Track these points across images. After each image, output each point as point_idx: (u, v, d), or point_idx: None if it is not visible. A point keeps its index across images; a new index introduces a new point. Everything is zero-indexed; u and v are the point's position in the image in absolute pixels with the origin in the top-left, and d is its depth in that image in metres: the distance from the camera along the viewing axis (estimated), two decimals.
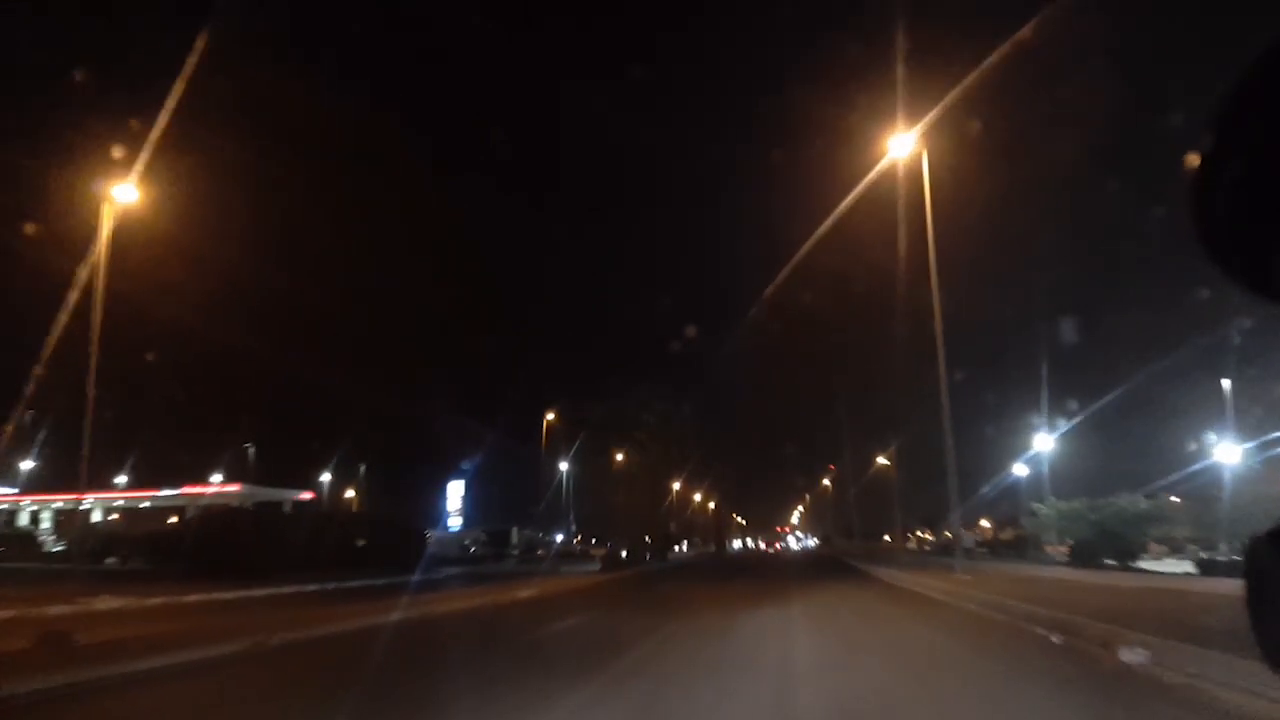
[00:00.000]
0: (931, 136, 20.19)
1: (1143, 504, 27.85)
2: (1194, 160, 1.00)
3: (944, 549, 39.67)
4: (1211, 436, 29.33)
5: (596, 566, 29.12)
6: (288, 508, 43.66)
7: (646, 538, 32.65)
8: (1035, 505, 33.86)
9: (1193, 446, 30.36)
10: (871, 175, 17.64)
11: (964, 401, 41.76)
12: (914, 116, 18.50)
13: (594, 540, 50.26)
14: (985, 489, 42.34)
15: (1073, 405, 32.00)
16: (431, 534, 44.16)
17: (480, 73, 55.14)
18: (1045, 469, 30.41)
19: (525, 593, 15.10)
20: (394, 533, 30.64)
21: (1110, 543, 27.75)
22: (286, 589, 16.43)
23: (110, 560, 29.34)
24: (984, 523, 48.97)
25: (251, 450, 42.97)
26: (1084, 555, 26.14)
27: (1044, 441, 29.10)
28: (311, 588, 17.09)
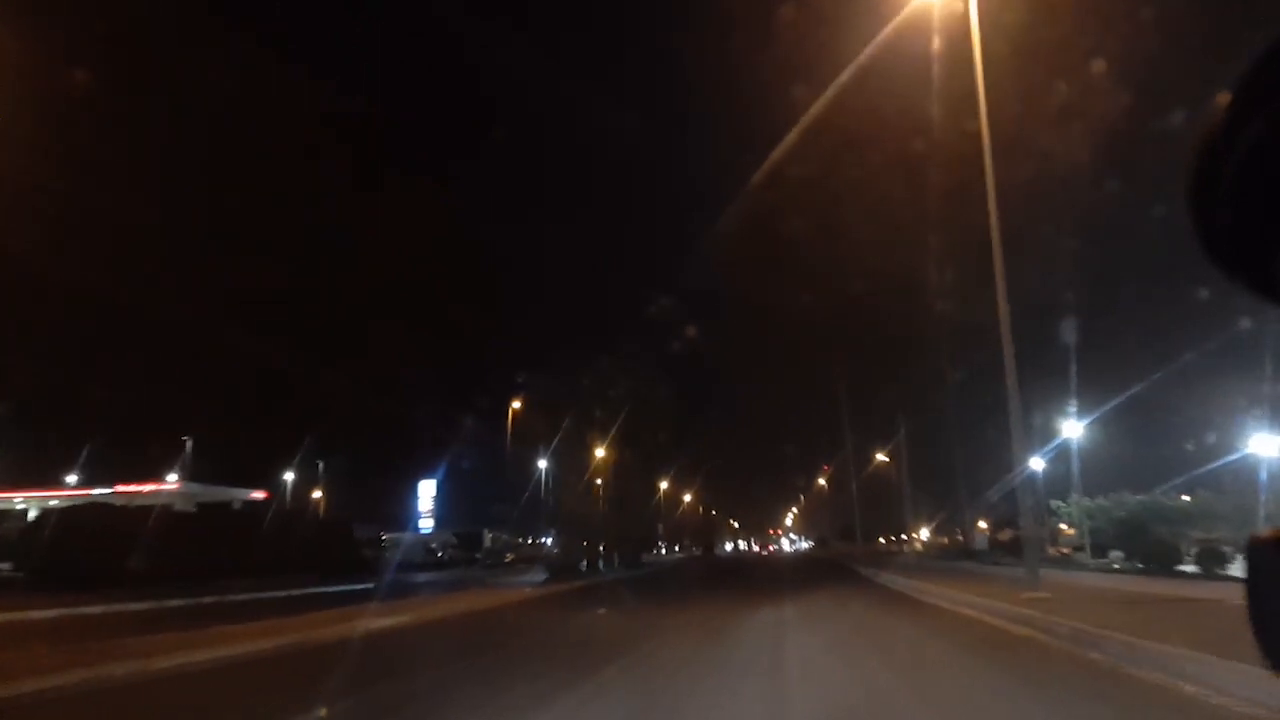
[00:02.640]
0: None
1: (1182, 500, 24.68)
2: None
3: (963, 552, 35.98)
4: (1211, 436, 27.19)
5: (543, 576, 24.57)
6: (238, 507, 40.20)
7: (594, 541, 28.52)
8: (1055, 503, 30.55)
9: (1191, 446, 28.14)
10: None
11: (964, 402, 39.69)
12: None
13: (585, 543, 46.48)
14: (991, 490, 39.40)
15: (1073, 405, 30.19)
16: (389, 537, 40.57)
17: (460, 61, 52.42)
18: (1076, 462, 26.88)
19: (391, 620, 11.19)
20: (333, 536, 27.00)
21: (1140, 543, 24.69)
22: (137, 605, 12.89)
23: (2, 566, 25.73)
24: (981, 524, 46.16)
25: (189, 444, 39.19)
26: (1149, 558, 22.25)
27: (1073, 429, 25.67)
28: (175, 603, 13.48)
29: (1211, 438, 26.86)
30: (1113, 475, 29.80)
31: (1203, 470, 25.35)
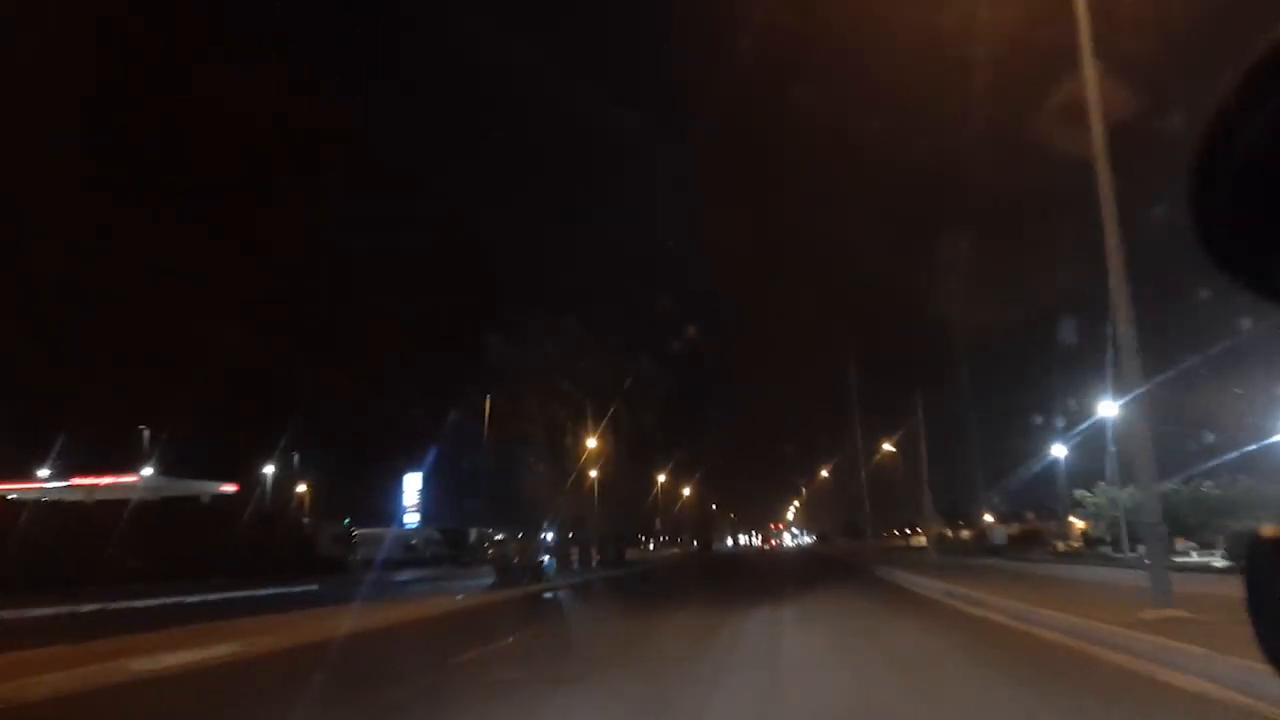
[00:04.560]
0: None
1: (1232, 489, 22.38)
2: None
3: (980, 547, 33.39)
4: (1228, 427, 25.19)
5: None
6: (207, 501, 38.01)
7: (566, 536, 25.37)
8: (1080, 493, 28.19)
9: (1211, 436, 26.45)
10: None
11: (973, 393, 38.05)
12: None
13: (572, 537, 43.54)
14: (1001, 482, 37.37)
15: (1074, 405, 29.85)
16: (361, 533, 38.23)
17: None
18: (1111, 448, 24.29)
19: (187, 656, 8.41)
20: (288, 533, 24.64)
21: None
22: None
23: None
24: (988, 517, 43.97)
25: (147, 434, 36.86)
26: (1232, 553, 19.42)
27: (1108, 409, 23.16)
28: (43, 612, 11.15)
29: (1222, 430, 25.27)
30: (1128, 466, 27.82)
31: (1227, 458, 23.48)
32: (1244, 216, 0.97)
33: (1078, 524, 33.96)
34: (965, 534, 44.19)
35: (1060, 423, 32.64)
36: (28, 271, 34.53)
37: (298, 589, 16.57)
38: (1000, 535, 32.50)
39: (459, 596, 14.59)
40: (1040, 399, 36.00)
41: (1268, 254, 0.99)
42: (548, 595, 17.00)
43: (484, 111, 61.95)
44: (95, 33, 34.45)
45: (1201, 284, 17.48)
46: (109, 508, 25.00)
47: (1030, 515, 39.00)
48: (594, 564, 28.17)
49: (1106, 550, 27.04)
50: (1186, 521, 22.74)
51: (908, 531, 74.58)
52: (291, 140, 48.58)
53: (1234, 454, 23.59)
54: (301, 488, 57.18)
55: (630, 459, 29.25)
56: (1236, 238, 1.00)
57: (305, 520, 35.19)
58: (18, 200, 29.78)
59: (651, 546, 63.09)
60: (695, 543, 76.22)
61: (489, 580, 18.95)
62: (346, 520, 49.99)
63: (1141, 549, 24.68)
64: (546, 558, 21.28)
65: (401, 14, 52.28)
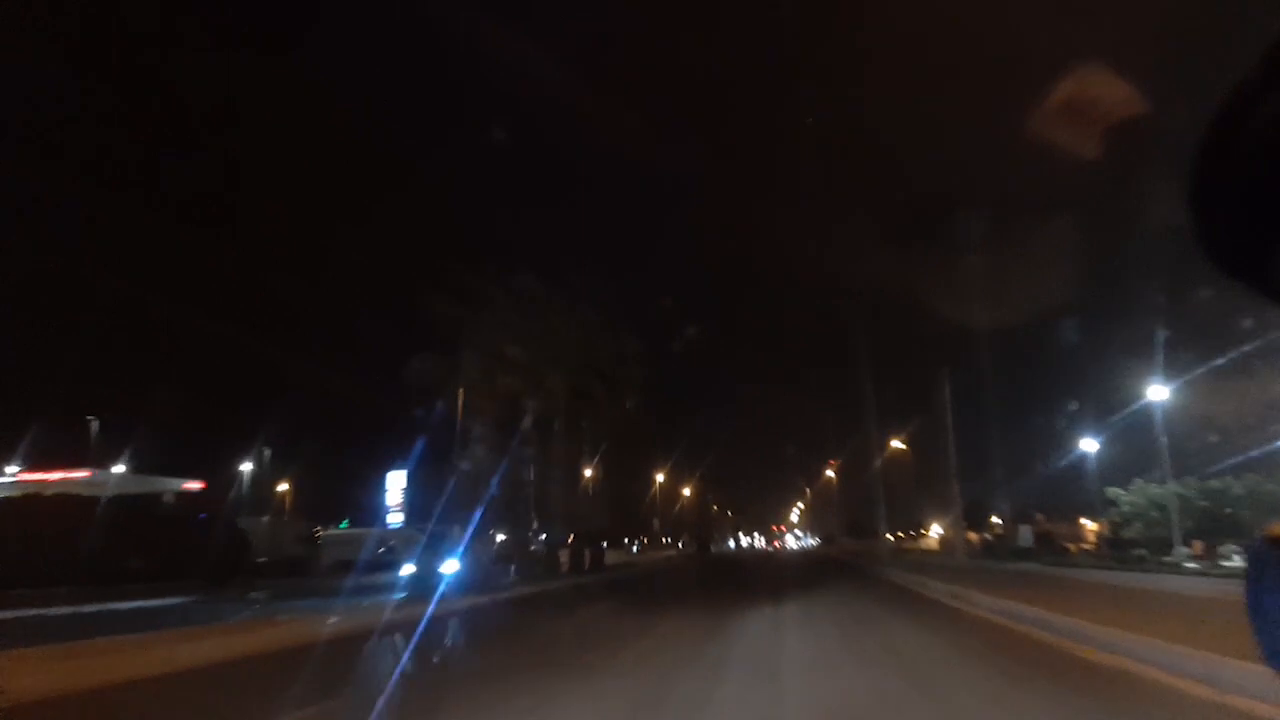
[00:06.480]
0: None
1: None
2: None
3: (1006, 550, 30.55)
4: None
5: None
6: (169, 499, 35.58)
7: (522, 536, 22.30)
8: (1114, 491, 25.52)
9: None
10: None
11: (968, 406, 36.44)
12: None
13: (570, 538, 40.01)
14: (1013, 481, 35.26)
15: (1074, 405, 30.21)
16: (327, 533, 35.69)
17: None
18: (1164, 440, 21.47)
19: None
20: (223, 534, 22.13)
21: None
22: None
23: None
24: (994, 519, 41.49)
25: (96, 425, 34.39)
26: None
27: (1159, 393, 20.43)
28: None
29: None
30: (1144, 461, 25.45)
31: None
32: (1245, 217, 0.95)
33: (1089, 525, 32.14)
34: (972, 535, 41.50)
35: (1061, 423, 30.77)
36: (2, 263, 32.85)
37: (173, 600, 14.06)
38: (1028, 537, 29.89)
39: (333, 619, 11.03)
40: (1044, 398, 34.43)
41: (1268, 254, 0.96)
42: (463, 614, 13.48)
43: (481, 109, 60.28)
44: (94, 31, 33.11)
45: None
46: (28, 504, 22.51)
47: (1039, 517, 36.56)
48: (562, 570, 25.29)
49: (1142, 553, 24.30)
50: (1242, 520, 20.16)
51: (914, 534, 72.06)
52: (271, 119, 46.73)
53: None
54: (283, 486, 54.80)
55: (615, 450, 26.32)
56: (1237, 238, 0.97)
57: (265, 519, 32.61)
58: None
59: (635, 549, 59.27)
60: (696, 544, 73.51)
61: (396, 596, 14.94)
62: (344, 521, 47.38)
63: (1182, 551, 22.07)
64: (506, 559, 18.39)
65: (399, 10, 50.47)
